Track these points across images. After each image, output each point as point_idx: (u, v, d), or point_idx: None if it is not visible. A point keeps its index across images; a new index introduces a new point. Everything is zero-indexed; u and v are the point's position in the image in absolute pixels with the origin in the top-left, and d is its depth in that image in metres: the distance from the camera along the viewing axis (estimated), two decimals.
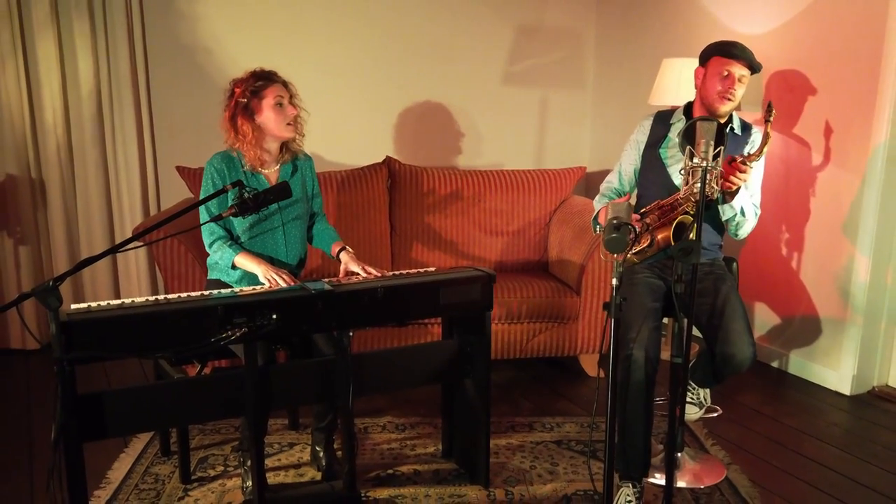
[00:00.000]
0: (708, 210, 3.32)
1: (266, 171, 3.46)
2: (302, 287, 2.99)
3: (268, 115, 3.35)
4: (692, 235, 2.90)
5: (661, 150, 3.47)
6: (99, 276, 5.24)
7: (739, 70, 3.28)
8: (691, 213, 3.03)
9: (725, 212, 3.36)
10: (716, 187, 3.00)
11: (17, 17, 4.77)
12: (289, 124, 3.39)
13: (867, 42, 4.16)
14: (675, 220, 3.09)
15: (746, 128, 3.46)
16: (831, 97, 4.37)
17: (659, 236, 3.19)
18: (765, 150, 3.18)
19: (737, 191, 3.18)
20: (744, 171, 3.11)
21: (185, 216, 3.14)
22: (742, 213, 3.34)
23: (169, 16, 5.10)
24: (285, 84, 3.43)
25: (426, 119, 5.80)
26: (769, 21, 4.68)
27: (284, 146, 3.50)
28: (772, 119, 3.16)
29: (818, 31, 4.41)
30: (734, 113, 3.44)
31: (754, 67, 3.30)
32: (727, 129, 3.36)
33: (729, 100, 3.29)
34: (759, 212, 3.45)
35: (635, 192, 3.64)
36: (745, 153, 3.37)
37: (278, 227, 3.45)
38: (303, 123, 3.49)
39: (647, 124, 3.58)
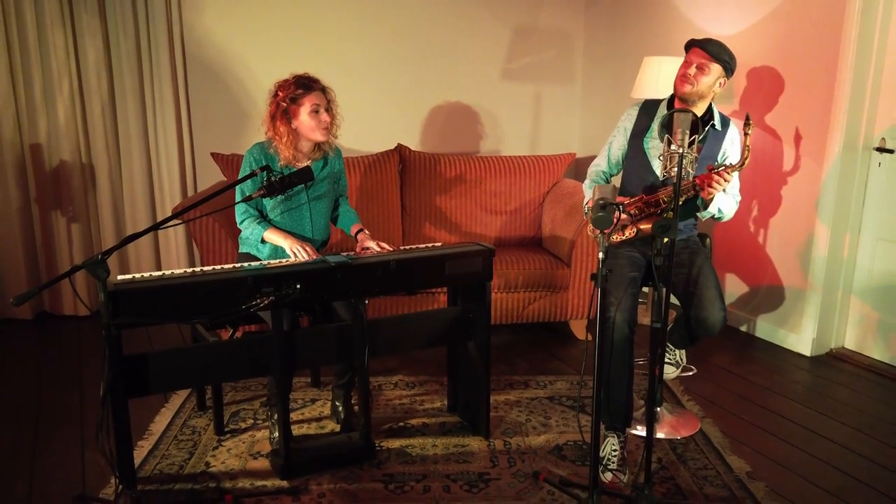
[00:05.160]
0: (686, 204, 3.29)
1: (299, 165, 3.42)
2: (323, 260, 2.98)
3: (303, 120, 3.29)
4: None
5: (644, 141, 3.39)
6: (142, 250, 5.22)
7: (697, 58, 3.19)
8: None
9: (703, 215, 3.32)
10: (691, 175, 2.98)
11: (70, 24, 4.74)
12: (322, 129, 3.33)
13: (826, 42, 4.12)
14: (658, 214, 3.09)
15: (725, 123, 3.36)
16: (795, 90, 4.32)
17: (641, 226, 3.18)
18: (746, 161, 3.11)
19: (712, 198, 3.15)
20: (726, 181, 3.07)
21: (219, 197, 3.11)
22: (720, 211, 3.30)
23: (204, 19, 5.05)
24: (324, 91, 3.35)
25: (433, 110, 5.75)
26: (738, 23, 4.62)
27: (317, 145, 3.44)
28: (750, 132, 3.09)
29: (782, 32, 4.36)
30: (714, 108, 3.33)
31: (714, 57, 3.17)
32: (709, 126, 3.30)
33: (687, 82, 3.20)
34: (739, 199, 3.40)
35: (620, 174, 3.60)
36: (724, 151, 3.33)
37: (304, 205, 3.41)
38: (337, 126, 3.43)
39: (633, 112, 3.48)
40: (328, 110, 3.34)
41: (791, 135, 4.36)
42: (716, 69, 3.20)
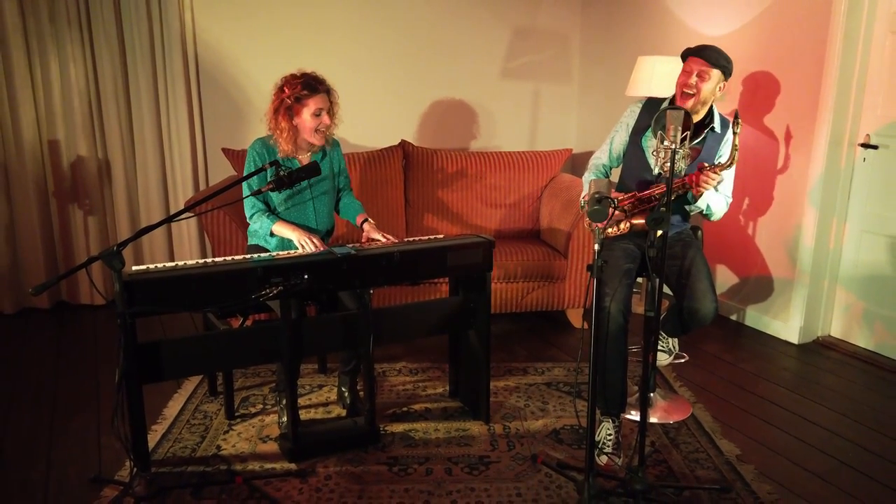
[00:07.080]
0: (678, 200, 3.27)
1: (299, 157, 3.41)
2: (329, 251, 2.97)
3: (304, 119, 3.27)
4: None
5: (643, 139, 3.35)
6: (156, 241, 5.21)
7: (697, 66, 3.13)
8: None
9: (692, 209, 3.30)
10: (683, 171, 2.95)
11: (87, 24, 4.73)
12: (319, 131, 3.32)
13: (813, 42, 4.10)
14: (651, 210, 3.08)
15: (725, 124, 3.31)
16: (784, 88, 4.30)
17: (635, 221, 3.16)
18: (735, 160, 3.06)
19: (701, 193, 3.12)
20: (714, 180, 3.05)
21: (229, 191, 3.11)
22: (708, 208, 3.26)
23: (214, 19, 5.03)
24: (329, 93, 3.32)
25: (435, 107, 5.73)
26: (729, 24, 4.59)
27: None
28: (739, 130, 3.01)
29: (771, 33, 4.34)
30: (715, 111, 3.28)
31: (712, 63, 3.12)
32: (708, 128, 3.26)
33: (686, 93, 3.15)
34: (730, 200, 3.35)
35: (619, 168, 3.57)
36: (719, 154, 3.30)
37: (309, 201, 3.41)
38: (335, 126, 3.40)
39: (636, 109, 3.43)
40: (329, 113, 3.33)
41: (780, 131, 4.35)
42: (715, 74, 3.14)
